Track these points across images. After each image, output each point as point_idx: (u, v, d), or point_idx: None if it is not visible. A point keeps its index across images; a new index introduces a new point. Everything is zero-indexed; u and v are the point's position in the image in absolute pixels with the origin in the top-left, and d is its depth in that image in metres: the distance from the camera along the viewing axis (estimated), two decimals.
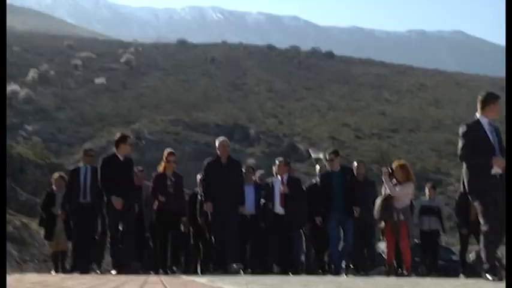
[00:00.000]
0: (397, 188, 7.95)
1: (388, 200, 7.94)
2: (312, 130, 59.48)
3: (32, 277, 5.43)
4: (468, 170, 5.56)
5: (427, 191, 9.84)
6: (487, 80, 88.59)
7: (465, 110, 68.90)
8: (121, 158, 7.42)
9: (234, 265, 7.44)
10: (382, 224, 8.35)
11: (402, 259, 8.22)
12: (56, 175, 9.43)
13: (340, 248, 8.22)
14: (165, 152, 8.22)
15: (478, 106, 5.79)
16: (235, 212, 7.83)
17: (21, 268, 10.09)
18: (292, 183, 8.42)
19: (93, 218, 8.16)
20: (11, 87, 50.90)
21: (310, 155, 45.46)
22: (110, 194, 7.23)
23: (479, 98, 5.83)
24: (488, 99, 5.78)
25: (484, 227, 5.20)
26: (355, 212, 8.05)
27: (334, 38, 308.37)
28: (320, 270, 8.87)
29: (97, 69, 76.97)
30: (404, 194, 8.06)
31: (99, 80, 70.78)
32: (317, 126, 60.68)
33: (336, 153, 8.50)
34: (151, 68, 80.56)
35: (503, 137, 5.56)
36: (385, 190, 8.13)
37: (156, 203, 7.87)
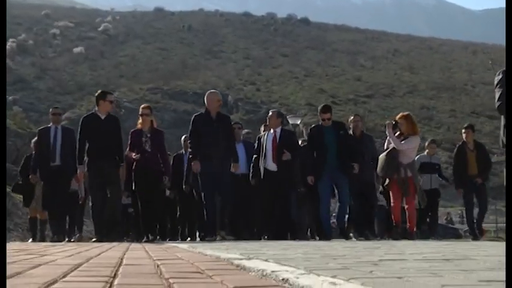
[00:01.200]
0: (403, 142, 6.99)
1: (393, 154, 6.93)
2: (289, 97, 59.83)
3: (14, 245, 5.32)
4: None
5: (426, 146, 9.22)
6: (460, 44, 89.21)
7: (439, 75, 70.01)
8: (102, 116, 6.55)
9: (223, 233, 6.60)
10: (387, 181, 7.18)
11: (408, 219, 7.08)
12: (34, 139, 8.33)
13: (337, 209, 7.42)
14: (140, 107, 7.37)
15: None
16: (227, 172, 6.70)
17: None
18: (286, 137, 7.42)
19: (65, 182, 7.37)
20: None
21: (288, 122, 45.84)
22: (86, 156, 6.53)
23: None
24: None
25: None
26: (354, 168, 7.03)
27: (310, 4, 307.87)
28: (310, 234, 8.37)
29: (75, 39, 75.14)
30: (411, 148, 7.10)
31: (78, 49, 69.43)
32: (294, 93, 60.90)
33: (326, 107, 7.40)
34: (129, 37, 78.88)
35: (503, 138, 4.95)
36: (388, 144, 7.12)
37: (134, 162, 6.84)
